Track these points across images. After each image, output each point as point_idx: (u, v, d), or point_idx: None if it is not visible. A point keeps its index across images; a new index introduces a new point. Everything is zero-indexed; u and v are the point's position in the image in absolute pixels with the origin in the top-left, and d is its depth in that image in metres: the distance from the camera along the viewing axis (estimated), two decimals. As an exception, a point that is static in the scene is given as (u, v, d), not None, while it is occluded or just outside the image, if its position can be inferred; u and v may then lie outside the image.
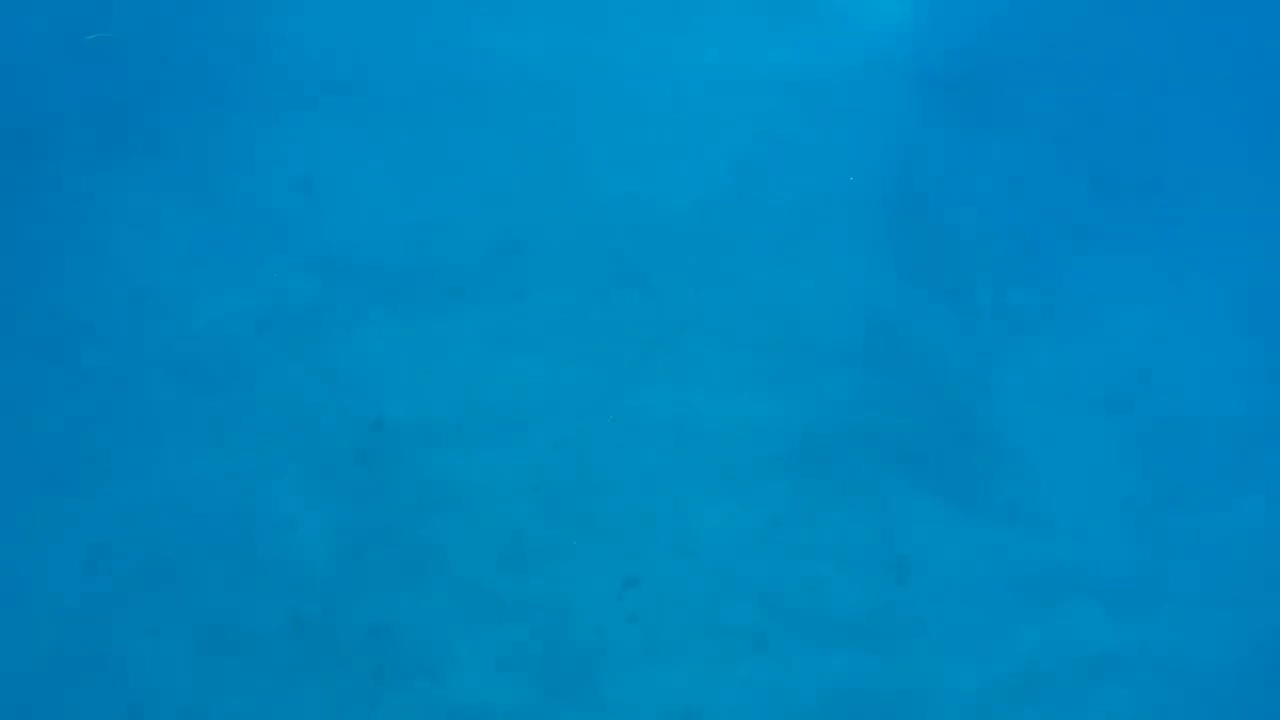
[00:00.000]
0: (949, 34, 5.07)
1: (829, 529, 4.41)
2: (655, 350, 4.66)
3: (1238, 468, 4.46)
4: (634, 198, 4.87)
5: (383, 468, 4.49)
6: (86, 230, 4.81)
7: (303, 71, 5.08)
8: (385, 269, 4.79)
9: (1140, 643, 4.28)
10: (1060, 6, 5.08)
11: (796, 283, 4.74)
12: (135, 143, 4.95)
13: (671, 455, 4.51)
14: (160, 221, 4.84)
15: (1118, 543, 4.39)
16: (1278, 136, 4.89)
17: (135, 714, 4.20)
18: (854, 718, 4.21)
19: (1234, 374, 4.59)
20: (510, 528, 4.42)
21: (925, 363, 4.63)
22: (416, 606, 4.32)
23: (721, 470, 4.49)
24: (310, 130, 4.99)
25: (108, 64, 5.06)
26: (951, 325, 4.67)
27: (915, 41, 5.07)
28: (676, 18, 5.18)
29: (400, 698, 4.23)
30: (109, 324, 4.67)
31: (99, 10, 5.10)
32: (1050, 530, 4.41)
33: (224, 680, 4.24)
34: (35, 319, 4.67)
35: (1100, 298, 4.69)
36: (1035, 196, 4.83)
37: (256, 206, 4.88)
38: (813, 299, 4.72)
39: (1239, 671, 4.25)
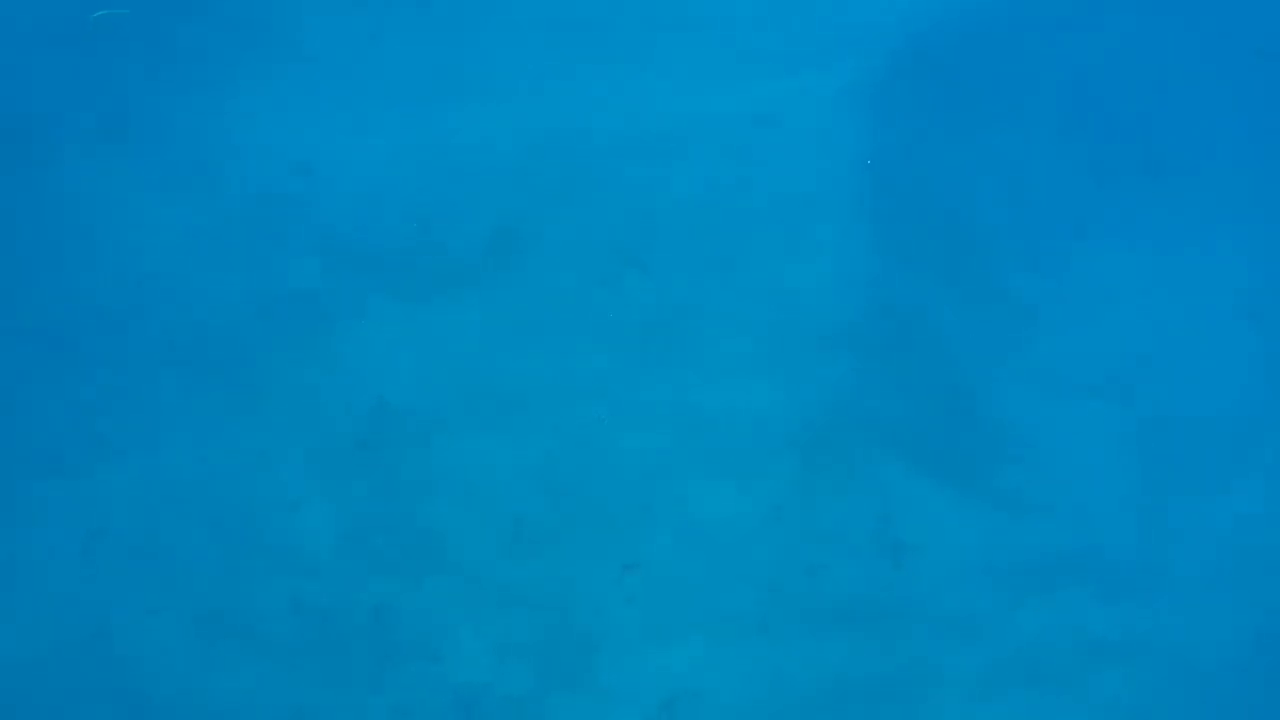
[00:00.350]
0: (951, 23, 5.08)
1: (829, 514, 4.42)
2: (656, 337, 4.67)
3: (1236, 455, 4.47)
4: (635, 184, 4.88)
5: (385, 453, 4.50)
6: (87, 215, 4.81)
7: (305, 57, 5.08)
8: (388, 255, 4.79)
9: (1137, 628, 4.29)
10: (1061, -4, 5.10)
11: (798, 270, 4.75)
12: (137, 127, 4.95)
13: (672, 441, 4.52)
14: (161, 206, 4.84)
15: (1115, 529, 4.41)
16: (1278, 129, 4.90)
17: (134, 695, 4.20)
18: (852, 700, 4.23)
19: (1233, 362, 4.60)
20: (511, 512, 4.43)
21: (926, 350, 4.63)
22: (418, 590, 4.33)
23: (722, 456, 4.50)
24: (312, 115, 4.99)
25: (109, 49, 5.06)
26: (952, 313, 4.68)
27: (920, 29, 5.07)
28: (678, 8, 5.18)
29: (401, 680, 4.24)
30: (110, 308, 4.67)
31: (100, -6, 5.11)
32: (1048, 516, 4.42)
33: (224, 662, 4.25)
34: (36, 303, 4.67)
35: (1100, 286, 4.70)
36: (1037, 186, 4.84)
37: (258, 192, 4.88)
38: (814, 286, 4.73)
39: (1235, 657, 4.27)
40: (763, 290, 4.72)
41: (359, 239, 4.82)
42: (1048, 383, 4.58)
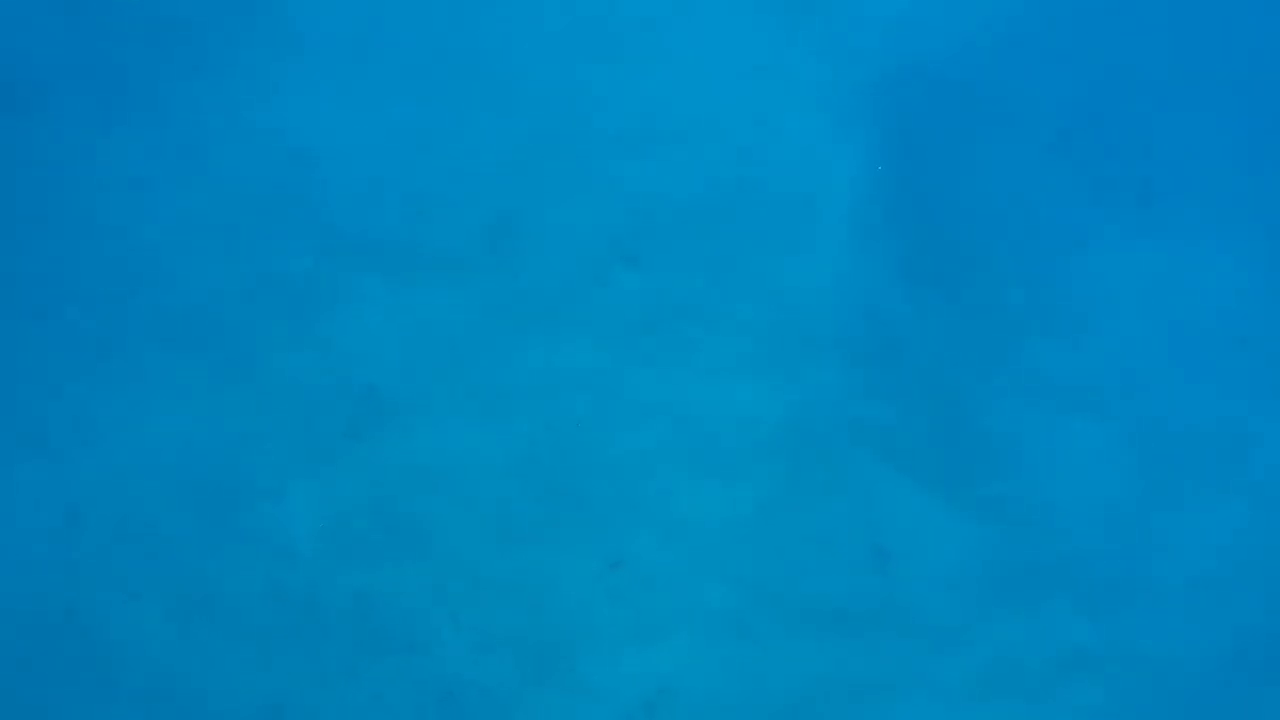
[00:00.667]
0: (948, 32, 5.11)
1: (813, 517, 4.45)
2: (648, 333, 4.68)
3: (1219, 470, 4.54)
4: (633, 180, 4.88)
5: (371, 440, 4.49)
6: (78, 194, 4.76)
7: (301, 40, 5.04)
8: (380, 241, 4.77)
9: (1115, 640, 4.35)
10: (1059, 8, 5.12)
11: (791, 273, 4.77)
12: (130, 107, 4.90)
13: (660, 438, 4.53)
14: (153, 187, 4.79)
15: (1097, 541, 4.46)
16: (1272, 144, 4.96)
17: (110, 679, 4.18)
18: (831, 704, 4.26)
19: (1219, 379, 4.66)
20: (497, 505, 4.43)
21: (916, 357, 4.67)
22: (400, 580, 4.32)
23: (709, 455, 4.51)
24: (308, 100, 4.96)
25: (103, 27, 5.00)
26: (943, 321, 4.72)
27: (915, 39, 5.10)
28: (681, 4, 5.18)
29: (381, 671, 4.23)
30: (97, 288, 4.63)
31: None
32: (1031, 526, 4.47)
33: (203, 647, 4.23)
34: (23, 281, 4.62)
35: (1091, 300, 4.75)
36: (1031, 198, 4.88)
37: (252, 175, 4.84)
38: (807, 290, 4.75)
39: (1212, 670, 4.33)
40: (755, 292, 4.74)
41: (353, 225, 4.79)
42: (1035, 394, 4.63)
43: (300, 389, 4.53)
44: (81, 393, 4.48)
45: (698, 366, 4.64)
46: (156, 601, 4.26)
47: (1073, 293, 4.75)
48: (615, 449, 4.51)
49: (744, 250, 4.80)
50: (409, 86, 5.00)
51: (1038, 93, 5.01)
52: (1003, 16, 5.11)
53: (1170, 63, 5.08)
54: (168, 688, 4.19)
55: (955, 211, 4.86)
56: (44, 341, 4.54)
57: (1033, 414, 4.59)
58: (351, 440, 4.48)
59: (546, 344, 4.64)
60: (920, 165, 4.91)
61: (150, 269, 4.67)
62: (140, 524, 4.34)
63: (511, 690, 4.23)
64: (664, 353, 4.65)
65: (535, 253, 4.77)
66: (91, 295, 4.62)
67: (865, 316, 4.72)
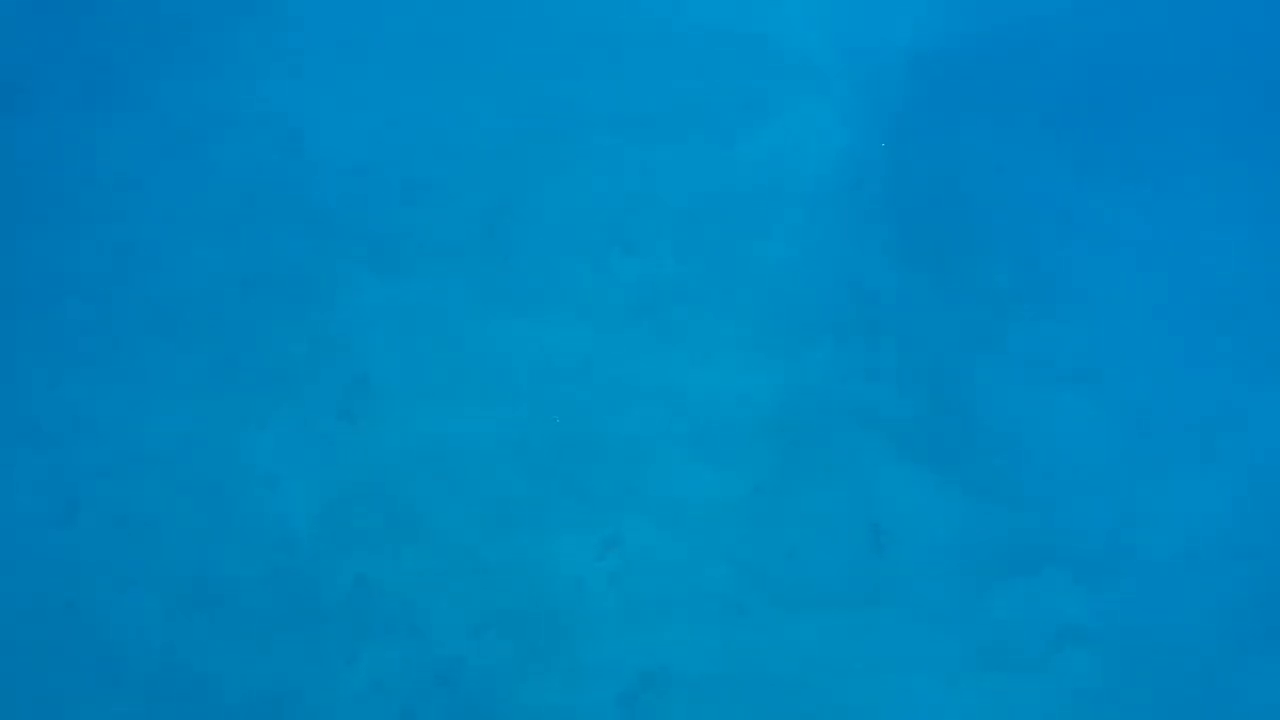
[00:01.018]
0: (942, 18, 5.14)
1: (809, 498, 4.46)
2: (643, 317, 4.70)
3: (1208, 445, 4.56)
4: (626, 166, 4.90)
5: (366, 426, 4.50)
6: (72, 182, 4.78)
7: (293, 28, 5.06)
8: (374, 228, 4.79)
9: (1108, 613, 4.37)
10: (1046, -6, 5.17)
11: (785, 256, 4.79)
12: (123, 96, 4.92)
13: (656, 421, 4.54)
14: (147, 175, 4.82)
15: (1089, 516, 4.48)
16: (1260, 130, 4.99)
17: (110, 666, 4.18)
18: (828, 683, 4.27)
19: (1207, 355, 4.69)
20: (495, 489, 4.44)
21: (909, 339, 4.69)
22: (397, 564, 4.33)
23: (705, 438, 4.53)
24: (300, 87, 4.98)
25: (95, 16, 5.03)
26: (936, 302, 4.74)
27: (908, 24, 5.13)
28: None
29: (379, 653, 4.24)
30: (92, 277, 4.64)
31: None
32: (1024, 503, 4.49)
33: (201, 634, 4.23)
34: (16, 270, 4.63)
35: (1080, 281, 4.77)
36: (1022, 181, 4.91)
37: (245, 162, 4.86)
38: (801, 273, 4.77)
39: (1204, 642, 4.35)
40: (748, 275, 4.76)
41: (346, 212, 4.81)
42: (1026, 372, 4.65)
43: (296, 376, 4.55)
44: (79, 384, 4.50)
45: (693, 350, 4.66)
46: (156, 589, 4.27)
47: (1063, 272, 4.78)
48: (611, 432, 4.52)
49: (735, 234, 4.82)
50: (402, 74, 5.02)
51: (1027, 73, 5.04)
52: (995, 3, 5.15)
53: (1159, 43, 5.11)
54: (168, 674, 4.19)
55: (946, 193, 4.88)
56: (41, 334, 4.55)
57: (1025, 392, 4.62)
58: (348, 426, 4.49)
59: (542, 329, 4.66)
60: (911, 147, 4.94)
61: (145, 260, 4.69)
62: (139, 513, 4.35)
63: (510, 671, 4.24)
64: (659, 337, 4.67)
65: (530, 238, 4.79)
66: (87, 287, 4.63)
67: (859, 299, 4.74)
